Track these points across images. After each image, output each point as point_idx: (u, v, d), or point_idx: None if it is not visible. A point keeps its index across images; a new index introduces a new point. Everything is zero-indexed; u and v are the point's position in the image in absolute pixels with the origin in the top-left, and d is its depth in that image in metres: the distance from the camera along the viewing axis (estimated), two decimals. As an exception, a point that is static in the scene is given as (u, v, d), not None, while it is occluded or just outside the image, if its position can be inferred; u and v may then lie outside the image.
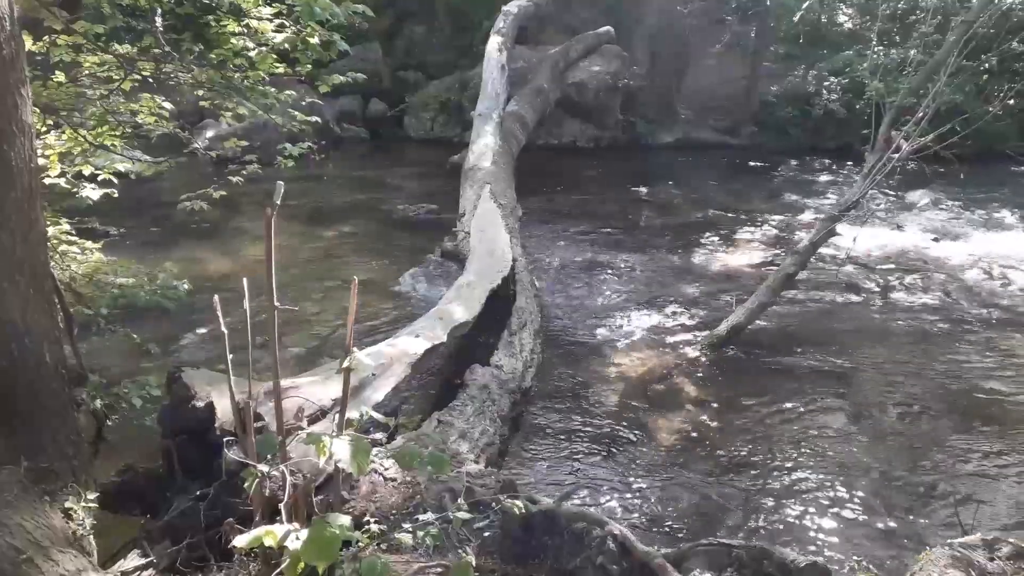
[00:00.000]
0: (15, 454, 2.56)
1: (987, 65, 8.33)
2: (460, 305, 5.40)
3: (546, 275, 7.96)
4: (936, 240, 9.41)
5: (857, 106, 13.14)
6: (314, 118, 5.51)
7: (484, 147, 9.45)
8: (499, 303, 5.89)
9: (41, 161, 3.56)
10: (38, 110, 4.27)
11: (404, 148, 14.35)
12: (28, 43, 3.89)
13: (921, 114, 6.42)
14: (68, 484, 2.65)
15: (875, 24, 12.26)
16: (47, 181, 4.47)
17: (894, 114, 6.76)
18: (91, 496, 2.71)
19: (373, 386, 4.15)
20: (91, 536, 2.64)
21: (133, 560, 2.87)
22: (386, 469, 3.30)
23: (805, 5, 14.57)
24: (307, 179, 10.86)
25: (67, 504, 2.58)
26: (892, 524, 4.26)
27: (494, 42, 12.09)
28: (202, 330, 6.04)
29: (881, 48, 12.92)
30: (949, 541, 2.88)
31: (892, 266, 8.53)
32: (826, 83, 14.78)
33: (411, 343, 4.64)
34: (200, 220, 8.11)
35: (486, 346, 5.49)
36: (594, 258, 8.57)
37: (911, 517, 4.32)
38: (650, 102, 14.84)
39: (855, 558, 3.97)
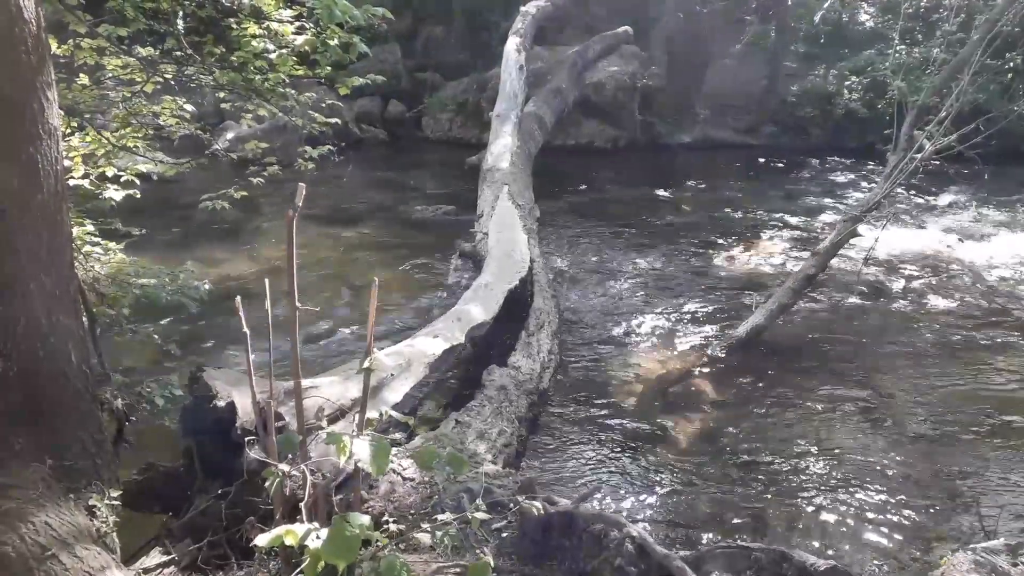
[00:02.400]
0: (40, 452, 2.59)
1: (1012, 64, 8.21)
2: (478, 306, 5.41)
3: (564, 276, 7.95)
4: (959, 241, 9.30)
5: (879, 106, 12.95)
6: (334, 119, 5.53)
7: (502, 148, 9.45)
8: (517, 304, 5.90)
9: (65, 163, 3.61)
10: (62, 112, 4.32)
11: (422, 149, 14.39)
12: (53, 46, 3.94)
13: (944, 114, 6.35)
14: (92, 482, 2.68)
15: (897, 23, 12.12)
16: (71, 183, 4.51)
17: (916, 114, 6.69)
18: (114, 494, 2.74)
19: (391, 386, 4.17)
20: (114, 533, 2.66)
21: (155, 558, 2.90)
22: (404, 469, 3.32)
23: (826, 4, 14.43)
24: (327, 180, 10.92)
25: (91, 502, 2.61)
26: (913, 528, 4.22)
27: (512, 43, 12.09)
28: (222, 330, 6.09)
29: (903, 47, 12.76)
30: (972, 546, 2.85)
31: (914, 268, 8.44)
32: (847, 82, 14.63)
33: (429, 343, 4.66)
34: (220, 221, 8.20)
35: (504, 347, 5.50)
36: (612, 259, 8.55)
37: (933, 521, 4.28)
38: (668, 102, 14.77)
39: (876, 562, 3.94)
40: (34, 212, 2.54)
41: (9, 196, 2.47)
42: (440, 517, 2.72)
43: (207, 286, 5.27)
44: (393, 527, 2.68)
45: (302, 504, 2.30)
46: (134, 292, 4.80)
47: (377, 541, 2.28)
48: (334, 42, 4.60)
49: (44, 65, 2.55)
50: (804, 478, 4.66)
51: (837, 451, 4.94)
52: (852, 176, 12.94)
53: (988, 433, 5.20)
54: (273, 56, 4.74)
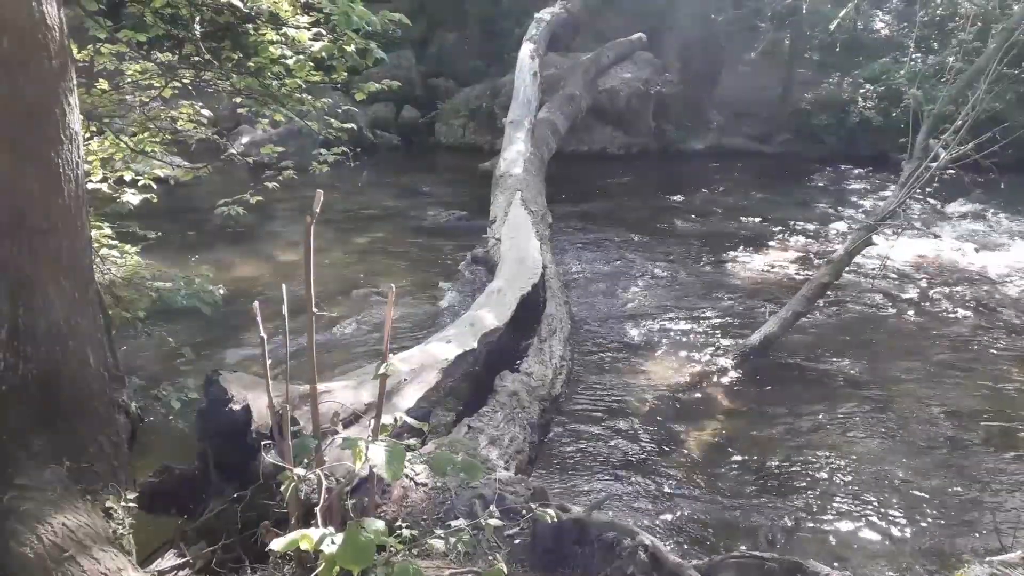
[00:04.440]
0: (58, 454, 2.61)
1: (1029, 73, 8.18)
2: (491, 312, 5.41)
3: (576, 282, 7.95)
4: (975, 251, 9.23)
5: (894, 114, 12.93)
6: (349, 125, 5.56)
7: (515, 154, 9.47)
8: (529, 310, 5.89)
9: (84, 167, 3.65)
10: (82, 117, 4.37)
11: (436, 155, 14.44)
12: (74, 51, 3.99)
13: (960, 122, 6.31)
14: (108, 484, 2.70)
15: (913, 31, 12.09)
16: (89, 186, 4.56)
17: (932, 122, 6.65)
18: (130, 496, 2.76)
19: (404, 392, 4.18)
20: (130, 535, 2.68)
21: (170, 560, 2.91)
22: (417, 474, 3.32)
23: (842, 12, 14.37)
24: (341, 185, 10.97)
25: (107, 503, 2.63)
26: (928, 539, 4.18)
27: (526, 49, 12.13)
28: (238, 334, 6.12)
29: (919, 55, 12.73)
30: (988, 558, 2.82)
31: (929, 277, 8.39)
32: (862, 91, 14.58)
33: (442, 349, 4.66)
34: (236, 225, 8.21)
35: (516, 353, 5.50)
36: (625, 265, 8.54)
37: (948, 533, 4.24)
38: (682, 109, 14.76)
39: (890, 573, 3.91)
40: (55, 216, 2.58)
41: (31, 200, 2.51)
42: (453, 523, 2.73)
43: (222, 290, 5.31)
44: (406, 532, 2.68)
45: (317, 508, 2.31)
46: (150, 295, 4.84)
47: (391, 546, 2.28)
48: (351, 48, 4.63)
49: (66, 71, 2.59)
50: (818, 488, 4.63)
51: (851, 461, 4.90)
52: (866, 185, 12.89)
53: (1005, 444, 5.15)
54: (290, 62, 4.77)
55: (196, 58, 4.77)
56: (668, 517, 4.32)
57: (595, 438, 5.09)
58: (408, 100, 15.06)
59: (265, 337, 2.40)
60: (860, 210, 11.10)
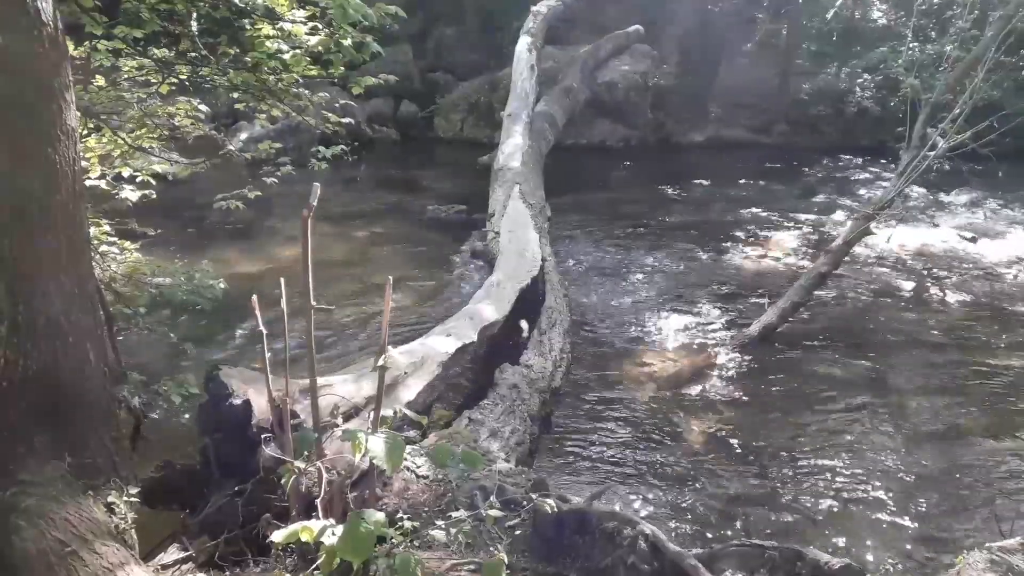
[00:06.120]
0: (59, 449, 2.63)
1: (1027, 60, 8.17)
2: (490, 305, 5.42)
3: (576, 274, 7.96)
4: (973, 239, 9.23)
5: (891, 103, 12.92)
6: (347, 119, 5.55)
7: (513, 147, 9.46)
8: (529, 302, 5.90)
9: (82, 164, 3.64)
10: (79, 113, 4.36)
11: (434, 149, 14.41)
12: (70, 48, 3.98)
13: (958, 111, 6.31)
14: (110, 479, 2.72)
15: (910, 20, 12.04)
16: (88, 183, 4.56)
17: (930, 111, 6.64)
18: (132, 491, 2.77)
19: (405, 384, 4.19)
20: (132, 530, 2.69)
21: (172, 554, 2.93)
22: (419, 467, 3.33)
23: (839, 2, 14.35)
24: (340, 180, 10.95)
25: (109, 498, 2.64)
26: (928, 527, 4.20)
27: (524, 42, 12.09)
28: (237, 329, 6.12)
29: (916, 44, 12.69)
30: (987, 545, 2.83)
31: (927, 266, 8.39)
32: (860, 80, 14.55)
33: (442, 342, 4.68)
34: (234, 221, 8.25)
35: (516, 345, 5.51)
36: (624, 257, 8.54)
37: (948, 520, 4.26)
38: (680, 101, 14.73)
39: (890, 561, 3.93)
40: (53, 213, 2.58)
41: (29, 197, 2.51)
42: (454, 514, 2.74)
43: (222, 285, 5.31)
44: (407, 524, 2.70)
45: (317, 501, 2.32)
46: (150, 291, 4.85)
47: (392, 538, 2.30)
48: (347, 42, 4.61)
49: (62, 67, 2.59)
50: (818, 476, 4.64)
51: (851, 449, 4.92)
52: (865, 174, 12.88)
53: (1003, 432, 5.17)
54: (287, 56, 4.75)
55: (193, 54, 4.75)
56: (669, 506, 4.34)
57: (595, 429, 5.10)
58: (406, 94, 15.01)
59: (264, 331, 2.41)
60: (858, 200, 11.09)
